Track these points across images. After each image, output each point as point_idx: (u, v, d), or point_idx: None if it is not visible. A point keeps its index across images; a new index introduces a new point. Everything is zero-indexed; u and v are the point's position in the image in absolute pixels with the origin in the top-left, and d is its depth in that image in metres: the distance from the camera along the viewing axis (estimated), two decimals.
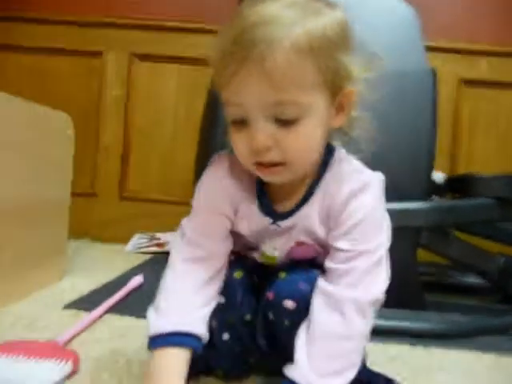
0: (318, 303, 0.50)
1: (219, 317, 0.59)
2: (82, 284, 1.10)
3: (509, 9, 1.71)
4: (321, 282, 0.51)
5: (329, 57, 0.47)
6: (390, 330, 0.90)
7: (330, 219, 0.53)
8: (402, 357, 0.79)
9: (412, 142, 1.06)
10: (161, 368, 0.50)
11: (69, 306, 0.93)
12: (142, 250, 1.58)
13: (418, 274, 1.10)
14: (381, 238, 0.52)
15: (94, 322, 0.84)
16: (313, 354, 0.47)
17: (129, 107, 1.80)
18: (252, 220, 0.57)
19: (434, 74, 1.10)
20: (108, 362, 0.67)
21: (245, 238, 0.59)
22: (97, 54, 1.79)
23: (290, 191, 0.55)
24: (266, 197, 0.56)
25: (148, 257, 1.51)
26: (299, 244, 0.57)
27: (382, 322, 0.90)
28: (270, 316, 0.55)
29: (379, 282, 0.51)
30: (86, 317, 0.83)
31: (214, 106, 0.49)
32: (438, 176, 1.37)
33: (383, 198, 0.54)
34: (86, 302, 0.95)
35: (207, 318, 0.55)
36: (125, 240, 1.65)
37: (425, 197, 1.07)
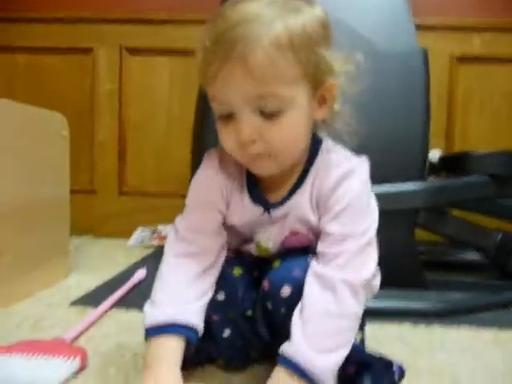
0: (310, 283, 0.51)
1: (220, 313, 0.60)
2: (88, 280, 1.12)
3: None
4: (313, 264, 0.53)
5: (309, 51, 0.49)
6: (390, 311, 0.91)
7: (320, 205, 0.55)
8: (402, 337, 0.80)
9: (406, 123, 1.07)
10: (156, 357, 0.52)
11: (75, 303, 0.95)
12: (144, 243, 1.60)
13: (418, 253, 1.11)
14: (368, 220, 0.54)
15: (101, 317, 0.86)
16: (307, 332, 0.48)
17: (122, 102, 1.79)
18: (244, 211, 0.58)
19: (425, 53, 1.09)
20: (115, 357, 0.68)
21: (239, 230, 0.61)
22: (88, 51, 1.79)
23: (281, 181, 0.57)
24: (257, 188, 0.58)
25: (150, 250, 1.52)
26: (293, 234, 0.58)
27: (383, 303, 0.92)
28: (269, 306, 0.56)
29: (369, 263, 0.53)
30: (91, 313, 0.85)
31: (206, 98, 0.49)
32: (434, 154, 1.38)
33: (369, 183, 0.56)
34: (91, 298, 0.97)
35: (202, 311, 0.56)
36: (126, 234, 1.67)
37: (421, 177, 1.07)
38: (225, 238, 0.61)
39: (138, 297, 0.99)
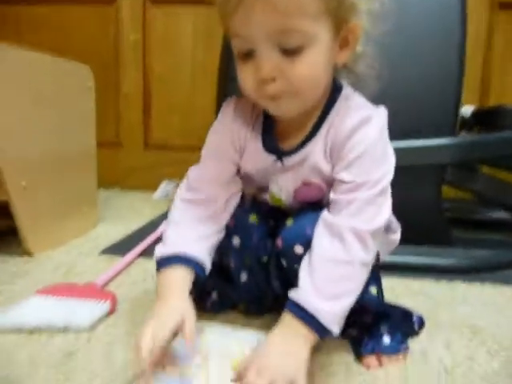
0: (319, 232, 0.51)
1: (236, 258, 0.62)
2: (115, 231, 1.16)
3: None
4: (324, 214, 0.52)
5: None
6: (414, 266, 0.91)
7: (334, 154, 0.54)
8: (425, 291, 0.81)
9: (438, 73, 1.00)
10: (165, 286, 0.54)
11: (104, 252, 0.99)
12: (169, 197, 1.62)
13: (444, 210, 1.09)
14: (383, 170, 0.52)
15: (128, 265, 0.90)
16: (314, 279, 0.49)
17: (146, 53, 1.77)
18: (257, 158, 0.58)
19: None
20: (142, 302, 0.72)
21: (253, 178, 0.61)
22: (111, 1, 1.75)
23: (296, 128, 0.56)
24: (272, 135, 0.57)
25: None
26: (305, 184, 0.57)
27: (407, 258, 0.92)
28: (283, 263, 0.57)
29: (380, 213, 0.51)
30: (120, 261, 0.89)
31: (231, 47, 0.48)
32: (467, 110, 1.32)
33: (386, 132, 0.54)
34: (119, 248, 1.01)
35: (206, 251, 0.58)
36: (152, 187, 1.70)
37: (452, 132, 1.03)
38: (236, 188, 0.61)
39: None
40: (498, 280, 0.86)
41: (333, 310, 0.48)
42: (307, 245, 0.52)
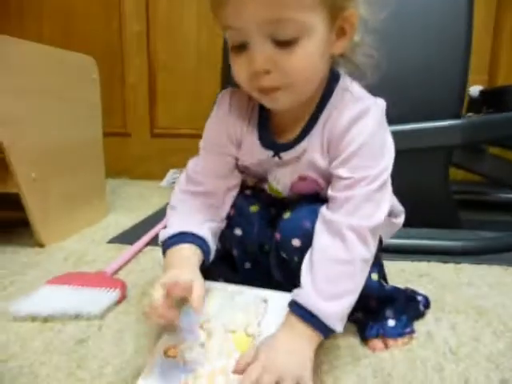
0: (319, 230, 0.51)
1: (239, 247, 0.62)
2: (125, 220, 1.17)
3: None
4: (323, 210, 0.52)
5: None
6: (422, 249, 0.91)
7: (331, 149, 0.52)
8: (431, 273, 0.81)
9: (445, 54, 0.99)
10: (172, 263, 0.53)
11: (113, 241, 1.00)
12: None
13: (452, 192, 1.09)
14: (381, 164, 0.51)
15: (137, 253, 0.91)
16: (316, 280, 0.48)
17: (151, 43, 1.77)
18: (254, 153, 0.57)
19: None
20: (152, 289, 0.73)
21: (251, 170, 0.60)
22: None
23: (293, 120, 0.55)
24: (268, 129, 0.56)
25: None
26: (301, 179, 0.57)
27: (413, 240, 0.92)
28: (283, 254, 0.57)
29: (379, 209, 0.50)
30: (129, 249, 0.90)
31: None
32: (475, 90, 1.30)
33: (385, 124, 0.53)
34: (128, 236, 1.02)
35: (212, 232, 0.57)
36: (159, 176, 1.71)
37: (459, 114, 1.02)
38: (236, 181, 0.61)
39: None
40: (505, 262, 0.86)
41: (335, 310, 0.48)
42: (304, 238, 0.53)
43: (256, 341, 0.50)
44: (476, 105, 1.27)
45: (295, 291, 0.50)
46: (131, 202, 1.42)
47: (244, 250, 0.63)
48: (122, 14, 1.76)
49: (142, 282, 0.76)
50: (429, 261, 0.87)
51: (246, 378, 0.44)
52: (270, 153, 0.56)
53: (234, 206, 0.61)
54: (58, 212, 1.00)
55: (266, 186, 0.62)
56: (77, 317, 0.63)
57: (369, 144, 0.50)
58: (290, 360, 0.46)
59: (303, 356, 0.47)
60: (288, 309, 0.50)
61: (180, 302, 0.48)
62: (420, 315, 0.64)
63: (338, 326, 0.48)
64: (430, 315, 0.64)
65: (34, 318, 0.62)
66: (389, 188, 0.52)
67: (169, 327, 0.50)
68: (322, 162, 0.54)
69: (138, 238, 0.97)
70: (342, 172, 0.51)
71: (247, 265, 0.64)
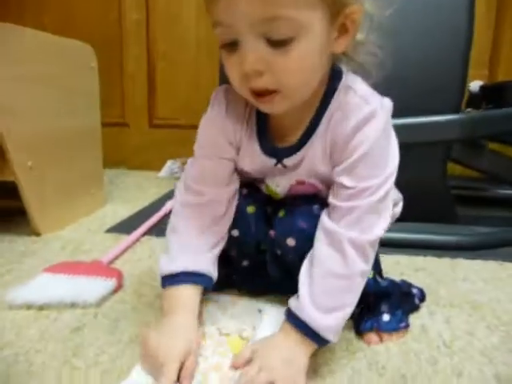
0: (319, 238, 0.50)
1: (236, 248, 0.62)
2: (122, 210, 1.17)
3: None
4: (323, 218, 0.50)
5: None
6: (418, 243, 0.92)
7: (334, 155, 0.51)
8: (427, 268, 0.81)
9: (445, 48, 0.98)
10: (172, 305, 0.53)
11: (110, 230, 1.00)
12: (174, 175, 1.64)
13: (450, 187, 1.09)
14: (386, 172, 0.49)
15: (134, 243, 0.91)
16: (314, 292, 0.48)
17: (150, 32, 1.75)
18: (254, 160, 0.56)
19: None
20: (148, 278, 0.73)
21: (250, 174, 0.59)
22: None
23: (293, 122, 0.53)
24: (267, 133, 0.54)
25: None
26: (300, 183, 0.56)
27: (409, 235, 0.93)
28: (278, 252, 0.57)
29: (380, 221, 0.49)
30: (126, 239, 0.90)
31: None
32: (475, 85, 1.30)
33: (390, 127, 0.51)
34: (125, 226, 1.02)
35: (214, 260, 0.57)
36: (157, 166, 1.71)
37: (459, 109, 1.02)
38: (236, 186, 0.59)
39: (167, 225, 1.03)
40: (501, 257, 0.86)
41: (331, 323, 0.48)
42: (300, 237, 0.53)
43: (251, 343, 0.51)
44: (476, 100, 1.26)
45: (292, 300, 0.50)
46: (129, 192, 1.42)
47: (241, 250, 0.62)
48: (121, 3, 1.74)
49: (138, 272, 0.76)
50: (425, 255, 0.87)
51: (243, 376, 0.45)
52: (273, 161, 0.55)
53: None
54: (55, 201, 1.00)
55: (262, 187, 0.61)
56: (73, 305, 0.63)
57: (374, 151, 0.48)
58: (285, 366, 0.46)
59: (298, 364, 0.47)
60: (284, 316, 0.50)
61: None
62: (415, 309, 0.64)
63: (333, 337, 0.49)
64: (424, 309, 0.65)
65: (29, 306, 0.62)
66: (391, 195, 0.51)
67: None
68: (323, 168, 0.52)
69: (135, 228, 0.97)
70: (345, 181, 0.49)
71: (245, 263, 0.64)
